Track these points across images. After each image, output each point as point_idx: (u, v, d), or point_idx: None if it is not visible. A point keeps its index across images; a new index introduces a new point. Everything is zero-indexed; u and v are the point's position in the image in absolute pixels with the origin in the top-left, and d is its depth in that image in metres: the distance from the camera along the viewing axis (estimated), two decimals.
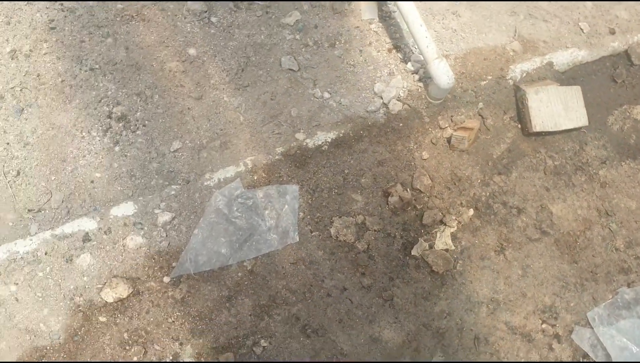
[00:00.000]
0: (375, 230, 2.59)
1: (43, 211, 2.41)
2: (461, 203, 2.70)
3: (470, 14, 2.97)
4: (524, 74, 2.90)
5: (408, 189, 2.67)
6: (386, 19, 2.92)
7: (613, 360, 2.55)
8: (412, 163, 2.71)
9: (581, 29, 3.01)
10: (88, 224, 2.41)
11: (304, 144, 2.65)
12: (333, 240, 2.56)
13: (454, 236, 2.64)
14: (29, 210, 2.40)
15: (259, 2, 2.86)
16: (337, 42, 2.84)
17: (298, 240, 2.53)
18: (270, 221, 2.52)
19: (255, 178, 2.57)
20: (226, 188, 2.52)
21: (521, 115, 2.84)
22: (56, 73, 2.64)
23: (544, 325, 2.60)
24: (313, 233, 2.56)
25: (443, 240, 2.62)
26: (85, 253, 2.37)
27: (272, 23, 2.85)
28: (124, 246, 2.40)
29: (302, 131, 2.67)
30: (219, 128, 2.64)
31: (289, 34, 2.83)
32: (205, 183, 2.54)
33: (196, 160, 2.58)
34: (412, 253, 2.59)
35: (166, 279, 2.40)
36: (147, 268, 2.39)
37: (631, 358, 2.57)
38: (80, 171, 2.49)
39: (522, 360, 2.54)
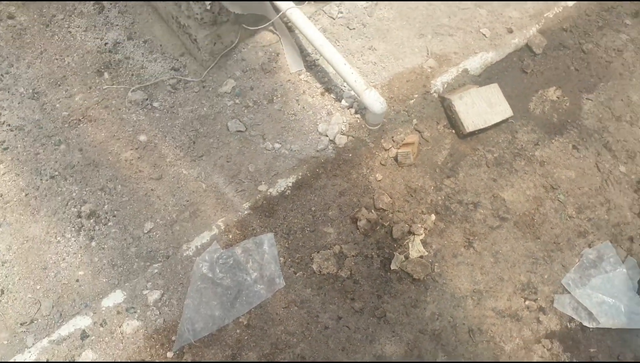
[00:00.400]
0: (353, 256, 2.75)
1: (35, 321, 2.45)
2: (422, 211, 2.90)
3: (384, 46, 3.27)
4: (445, 85, 3.20)
5: (372, 211, 2.86)
6: (312, 67, 3.18)
7: (595, 316, 2.75)
8: (370, 186, 2.92)
9: (483, 34, 3.37)
10: (83, 321, 2.46)
11: (268, 194, 2.82)
12: (317, 275, 2.70)
13: (424, 243, 2.83)
14: (21, 324, 2.44)
15: (194, 80, 3.07)
16: (275, 98, 3.07)
17: (285, 284, 2.65)
18: (254, 273, 2.64)
19: (231, 236, 2.71)
20: (205, 253, 2.63)
21: (452, 121, 3.12)
22: (19, 189, 2.74)
23: (527, 302, 2.78)
24: (297, 274, 2.69)
25: (415, 248, 2.81)
26: (86, 350, 2.41)
27: (211, 95, 3.06)
28: (122, 333, 2.46)
29: (263, 182, 2.84)
30: (185, 200, 2.78)
31: (229, 101, 3.04)
32: (185, 254, 2.65)
33: (171, 235, 2.69)
34: (391, 268, 2.75)
35: (169, 354, 2.46)
36: (149, 348, 2.45)
37: (609, 309, 2.77)
38: (63, 274, 2.56)
39: (517, 342, 2.70)
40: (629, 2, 3.67)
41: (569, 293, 2.82)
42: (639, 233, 3.00)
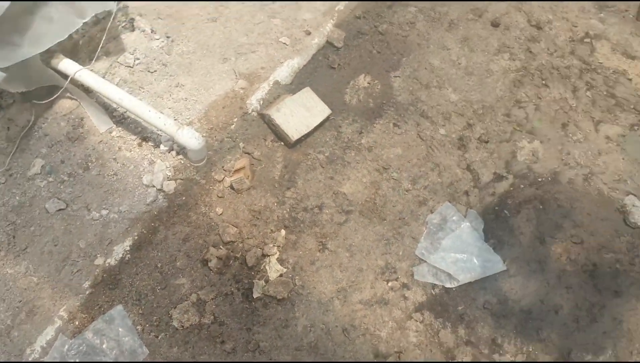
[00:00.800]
0: (212, 299, 2.69)
1: None
2: (271, 230, 2.90)
3: (191, 79, 3.23)
4: (262, 101, 3.22)
5: (221, 247, 2.82)
6: (122, 121, 3.07)
7: (454, 276, 2.90)
8: (213, 223, 2.87)
9: (284, 43, 3.43)
10: None
11: (107, 265, 2.68)
12: (181, 331, 2.61)
13: (280, 260, 2.83)
14: None
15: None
16: (90, 163, 2.93)
17: (148, 351, 2.53)
18: (112, 352, 2.50)
19: (77, 323, 2.54)
20: (52, 350, 2.45)
21: (278, 134, 3.15)
22: None
23: (390, 284, 2.87)
24: (159, 337, 2.58)
25: (273, 268, 2.80)
26: None
27: (20, 181, 2.85)
28: None
29: (99, 255, 2.70)
30: (18, 301, 2.57)
31: (41, 181, 2.86)
32: (30, 358, 2.45)
33: (10, 344, 2.48)
34: (254, 297, 2.73)
35: None
36: None
37: (465, 265, 2.94)
38: None
39: (391, 325, 2.78)
40: None
41: (425, 261, 2.95)
42: (472, 186, 3.20)
